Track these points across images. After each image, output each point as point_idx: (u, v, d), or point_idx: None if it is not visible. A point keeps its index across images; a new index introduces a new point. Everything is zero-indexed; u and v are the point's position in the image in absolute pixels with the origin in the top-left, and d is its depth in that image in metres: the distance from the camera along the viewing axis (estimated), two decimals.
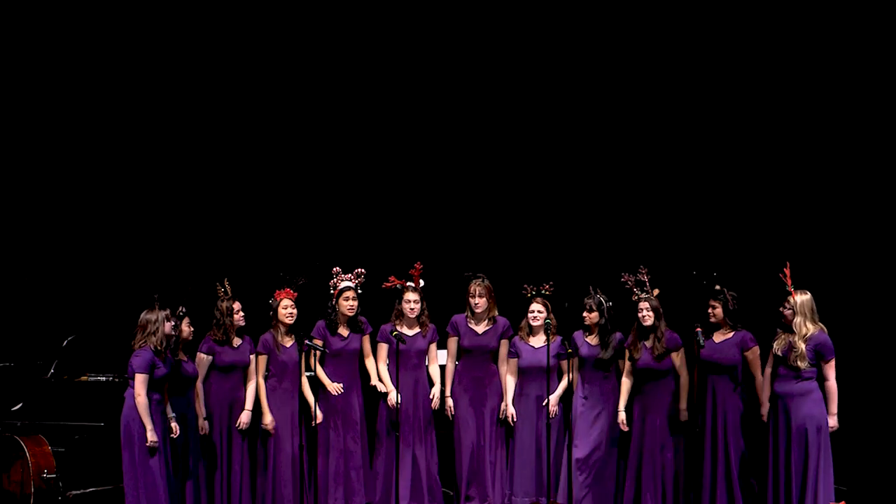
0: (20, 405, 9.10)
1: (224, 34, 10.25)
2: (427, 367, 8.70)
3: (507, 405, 8.62)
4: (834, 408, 7.95)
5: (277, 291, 8.45)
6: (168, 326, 7.85)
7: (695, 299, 8.40)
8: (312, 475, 8.44)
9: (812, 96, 9.78)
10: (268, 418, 8.37)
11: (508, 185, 10.37)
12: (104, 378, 9.12)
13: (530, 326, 8.61)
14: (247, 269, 9.45)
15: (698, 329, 8.11)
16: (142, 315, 7.85)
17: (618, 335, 8.51)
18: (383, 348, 8.62)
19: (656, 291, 8.38)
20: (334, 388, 8.44)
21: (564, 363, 8.50)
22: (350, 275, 8.54)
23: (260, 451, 8.42)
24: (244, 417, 8.36)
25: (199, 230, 10.33)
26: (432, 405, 8.63)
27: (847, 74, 9.71)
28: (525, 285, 8.59)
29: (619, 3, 10.04)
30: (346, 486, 8.46)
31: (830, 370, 7.93)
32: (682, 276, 8.64)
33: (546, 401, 8.47)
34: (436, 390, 8.65)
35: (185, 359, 8.11)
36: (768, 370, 8.13)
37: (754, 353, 8.22)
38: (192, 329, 8.15)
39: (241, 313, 8.41)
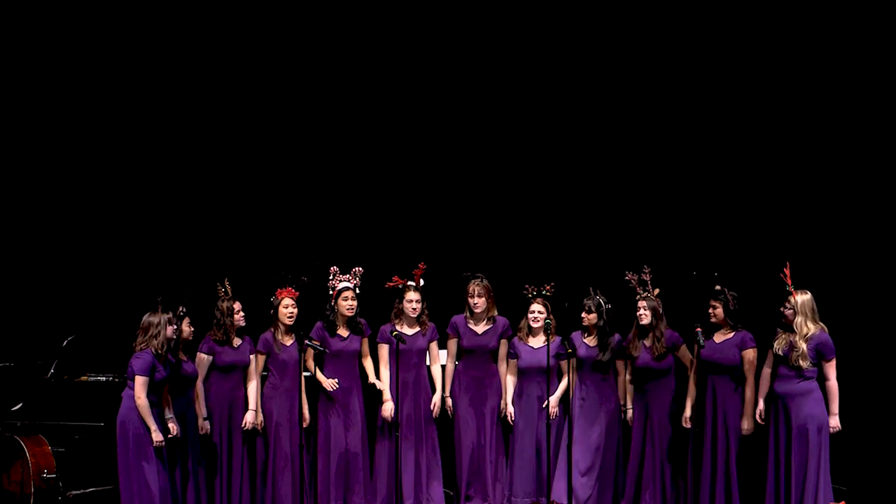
0: (20, 405, 9.09)
1: (224, 35, 10.25)
2: (429, 367, 8.69)
3: (506, 404, 8.62)
4: (835, 407, 7.94)
5: (279, 290, 8.45)
6: (170, 330, 7.85)
7: (695, 299, 8.39)
8: (312, 475, 8.44)
9: (812, 96, 9.78)
10: (259, 417, 8.38)
11: (508, 185, 10.37)
12: (104, 378, 9.12)
13: (530, 327, 8.60)
14: (247, 269, 9.44)
15: (698, 329, 8.10)
16: (144, 317, 7.85)
17: (616, 337, 8.51)
18: (384, 349, 8.62)
19: (656, 291, 8.38)
20: (329, 383, 8.43)
21: (564, 363, 8.49)
22: (348, 275, 8.54)
23: (260, 450, 8.42)
24: (249, 417, 8.36)
25: (200, 230, 10.33)
26: (434, 413, 8.62)
27: (847, 74, 9.71)
28: (526, 286, 8.59)
29: (619, 3, 10.03)
30: (348, 488, 8.45)
31: (831, 370, 7.93)
32: (683, 276, 8.64)
33: (546, 402, 8.47)
34: (436, 399, 8.64)
35: (185, 359, 8.11)
36: (767, 370, 8.12)
37: (751, 353, 8.20)
38: (192, 329, 8.15)
39: (242, 313, 8.41)
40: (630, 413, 8.47)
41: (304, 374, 8.47)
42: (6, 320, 10.08)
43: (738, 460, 8.19)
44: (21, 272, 10.28)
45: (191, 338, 8.17)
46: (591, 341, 8.52)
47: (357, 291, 8.53)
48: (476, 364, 8.67)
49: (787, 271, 8.04)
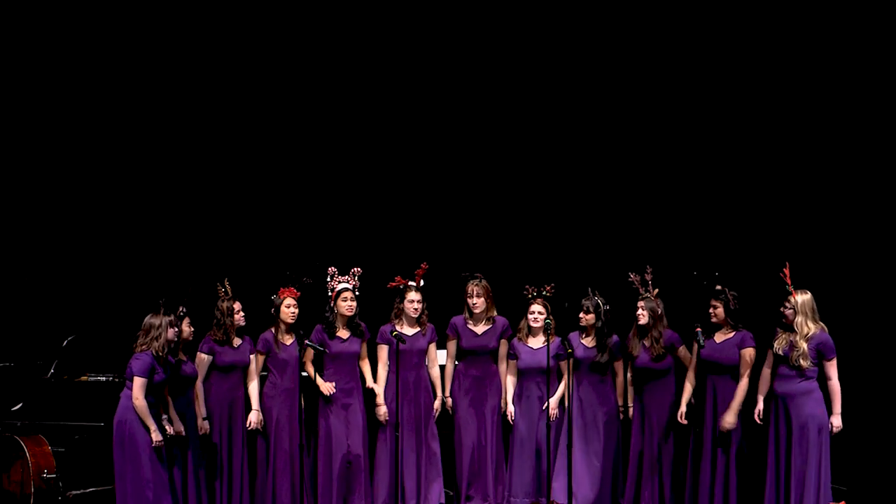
0: (20, 405, 9.09)
1: (225, 35, 10.24)
2: (428, 368, 8.69)
3: (506, 404, 8.62)
4: (837, 407, 7.93)
5: (282, 290, 8.45)
6: (171, 333, 7.84)
7: (695, 299, 8.39)
8: (312, 476, 8.43)
9: (812, 97, 9.77)
10: (258, 416, 8.37)
11: (508, 185, 10.36)
12: (104, 378, 9.12)
13: (529, 327, 8.60)
14: (247, 269, 9.44)
15: (698, 329, 8.10)
16: (146, 318, 7.85)
17: (614, 338, 8.50)
18: (384, 350, 8.62)
19: (655, 291, 8.38)
20: (326, 387, 8.43)
21: (564, 364, 8.49)
22: (347, 276, 8.54)
23: (260, 450, 8.42)
24: (253, 417, 8.36)
25: (200, 230, 10.32)
26: (434, 415, 8.62)
27: (847, 74, 9.70)
28: (526, 286, 8.59)
29: (619, 3, 10.03)
30: (349, 490, 8.45)
31: (832, 369, 7.93)
32: (683, 276, 8.63)
33: (546, 404, 8.46)
34: (437, 404, 8.64)
35: (185, 359, 8.11)
36: (767, 370, 8.11)
37: (749, 353, 8.19)
38: (192, 329, 8.15)
39: (242, 313, 8.41)
40: (630, 411, 8.47)
41: (302, 374, 8.47)
42: (6, 320, 10.07)
43: (738, 460, 8.19)
44: (21, 272, 10.28)
45: (191, 338, 8.17)
46: (588, 342, 8.51)
47: (356, 292, 8.53)
48: (476, 364, 8.67)
49: (786, 271, 8.04)
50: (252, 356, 8.44)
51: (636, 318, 8.37)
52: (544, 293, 8.57)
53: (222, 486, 8.29)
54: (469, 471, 8.59)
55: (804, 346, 7.88)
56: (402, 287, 8.62)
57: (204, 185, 10.38)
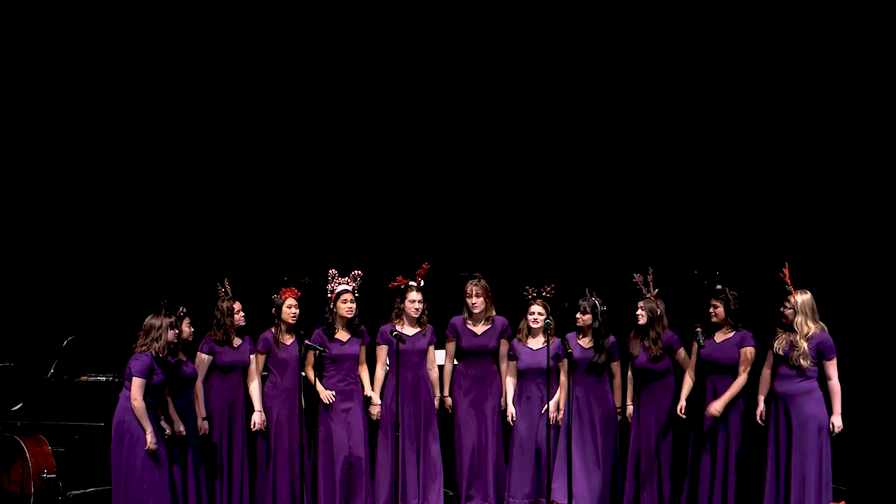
0: (20, 405, 9.09)
1: (225, 35, 10.24)
2: (428, 369, 8.68)
3: (507, 405, 8.62)
4: (837, 407, 7.93)
5: (283, 290, 8.45)
6: (171, 334, 7.84)
7: (695, 299, 8.39)
8: (312, 475, 8.43)
9: (811, 96, 9.78)
10: (262, 416, 8.37)
11: (507, 186, 10.36)
12: (104, 378, 9.12)
13: (529, 328, 8.60)
14: (247, 269, 9.44)
15: (698, 329, 8.11)
16: (147, 319, 7.84)
17: (611, 339, 8.50)
18: (383, 350, 8.62)
19: (655, 291, 8.38)
20: (326, 395, 8.43)
21: (562, 364, 8.48)
22: (347, 278, 8.54)
23: (260, 450, 8.42)
24: (256, 418, 8.36)
25: (200, 230, 10.32)
26: (434, 415, 8.63)
27: (847, 74, 9.70)
28: (526, 287, 8.58)
29: (619, 3, 10.03)
30: (351, 492, 8.44)
31: (832, 369, 7.93)
32: (684, 276, 8.63)
33: (546, 407, 8.46)
34: (436, 403, 8.65)
35: (185, 359, 8.11)
36: (767, 371, 8.12)
37: (749, 351, 8.19)
38: (192, 329, 8.15)
39: (242, 313, 8.41)
40: (630, 410, 8.47)
41: (302, 374, 8.47)
42: (6, 320, 10.07)
43: (737, 461, 8.18)
44: (21, 272, 10.28)
45: (191, 338, 8.16)
46: (585, 343, 8.51)
47: (356, 294, 8.53)
48: (476, 364, 8.67)
49: (786, 271, 8.04)
50: (252, 356, 8.43)
51: (636, 319, 8.36)
52: (544, 294, 8.57)
53: (222, 486, 8.29)
54: (469, 471, 8.59)
55: (804, 345, 7.89)
56: (403, 287, 8.62)
57: (204, 186, 10.38)
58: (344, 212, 10.40)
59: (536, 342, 8.58)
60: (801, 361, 7.88)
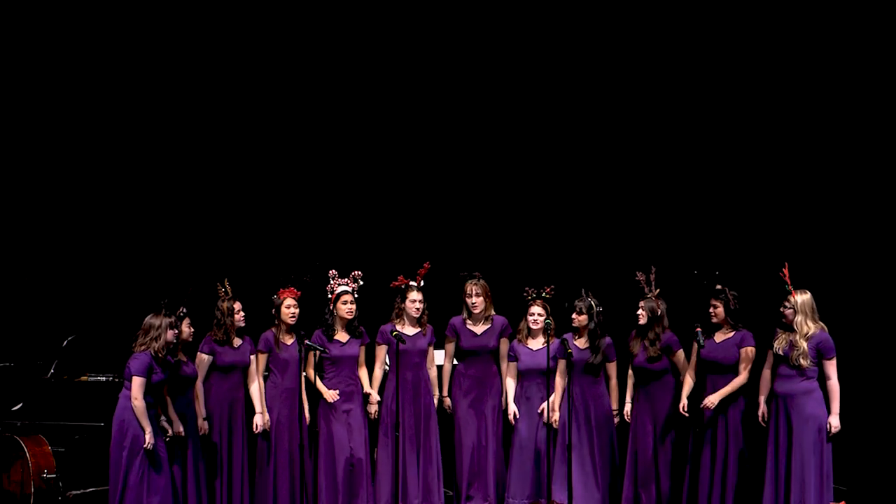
0: (20, 405, 9.09)
1: (225, 35, 10.25)
2: (427, 368, 8.68)
3: (507, 405, 8.61)
4: (836, 407, 7.93)
5: (281, 290, 8.45)
6: (171, 334, 7.84)
7: (695, 299, 8.39)
8: (313, 476, 8.43)
9: (811, 96, 9.78)
10: (264, 417, 8.37)
11: (507, 186, 10.36)
12: (104, 378, 9.12)
13: (529, 329, 8.59)
14: (247, 269, 9.43)
15: (698, 329, 8.10)
16: (147, 318, 7.84)
17: (607, 339, 8.49)
18: (382, 350, 8.62)
19: (657, 291, 8.37)
20: (330, 395, 8.43)
21: (560, 365, 8.49)
22: (347, 279, 8.54)
23: (260, 450, 8.41)
24: (258, 420, 8.35)
25: (200, 230, 10.33)
26: (434, 415, 8.63)
27: (847, 74, 9.70)
28: (526, 288, 8.58)
29: (619, 3, 10.03)
30: (353, 493, 8.44)
31: (832, 368, 7.92)
32: (683, 276, 8.63)
33: (545, 405, 8.45)
34: (437, 402, 8.66)
35: (185, 360, 8.10)
36: (767, 372, 8.12)
37: (749, 350, 8.19)
38: (192, 330, 8.14)
39: (242, 313, 8.41)
40: (628, 409, 8.46)
41: (303, 374, 8.47)
42: (6, 320, 10.07)
43: (737, 461, 8.18)
44: (21, 272, 10.28)
45: (190, 339, 8.16)
46: (581, 343, 8.50)
47: (356, 295, 8.53)
48: (476, 364, 8.66)
49: (785, 271, 8.04)
50: (253, 357, 8.43)
51: (637, 319, 8.36)
52: (544, 295, 8.57)
53: (222, 486, 8.29)
54: (469, 471, 8.59)
55: (804, 345, 7.89)
56: (403, 287, 8.61)
57: (204, 186, 10.38)
58: (344, 212, 10.40)
59: (536, 343, 8.58)
60: (801, 361, 7.88)
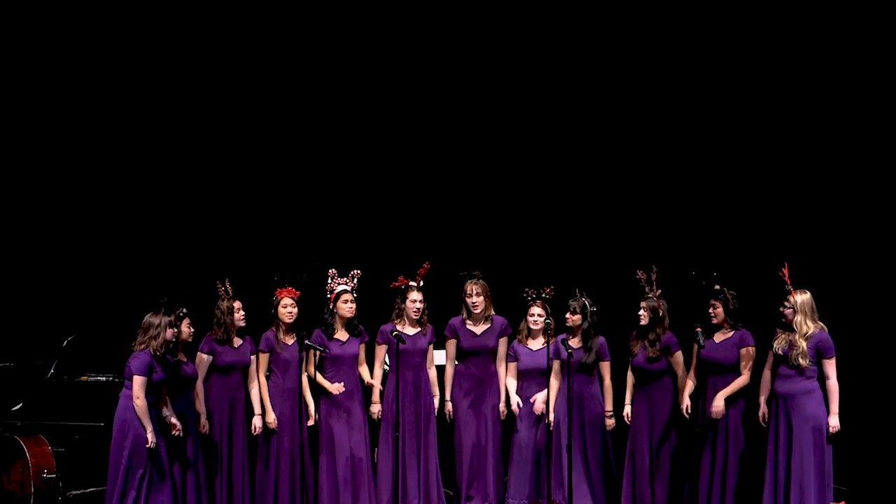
0: (20, 405, 9.10)
1: (224, 35, 10.25)
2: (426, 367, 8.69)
3: (503, 404, 8.60)
4: (835, 406, 7.92)
5: (279, 290, 8.45)
6: (170, 333, 7.84)
7: (695, 299, 8.39)
8: (312, 475, 8.43)
9: (811, 96, 9.77)
10: (270, 417, 8.37)
11: (507, 186, 10.36)
12: (104, 378, 9.13)
13: (529, 329, 8.60)
14: (247, 268, 9.43)
15: (698, 329, 8.10)
16: (146, 317, 7.85)
17: (600, 339, 8.49)
18: (382, 349, 8.62)
19: (658, 292, 8.37)
20: (335, 388, 8.42)
21: (556, 364, 8.48)
22: (346, 278, 8.53)
23: (261, 450, 8.41)
24: (257, 422, 8.35)
25: (200, 230, 10.32)
26: (434, 414, 8.62)
27: (847, 74, 9.70)
28: (526, 289, 8.58)
29: (619, 3, 10.03)
30: (354, 492, 8.44)
31: (831, 368, 7.92)
32: (683, 276, 8.63)
33: (540, 396, 8.45)
34: (436, 402, 8.64)
35: (186, 360, 8.10)
36: (767, 372, 8.11)
37: (748, 351, 8.20)
38: (192, 330, 8.14)
39: (242, 313, 8.40)
40: (628, 410, 8.46)
41: (306, 375, 8.46)
42: (6, 320, 10.07)
43: (738, 462, 8.18)
44: (21, 272, 10.28)
45: (190, 339, 8.15)
46: (575, 343, 8.49)
47: (354, 294, 8.53)
48: (476, 364, 8.66)
49: (785, 271, 8.04)
50: (253, 357, 8.43)
51: (638, 319, 8.36)
52: (544, 296, 8.57)
53: (222, 486, 8.29)
54: (469, 471, 8.59)
55: (803, 344, 7.88)
56: (403, 287, 8.61)
57: (204, 186, 10.38)
58: (344, 212, 10.40)
59: (536, 343, 8.58)
60: (800, 360, 7.88)
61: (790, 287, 8.00)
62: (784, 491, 7.89)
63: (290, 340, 8.47)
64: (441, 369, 8.77)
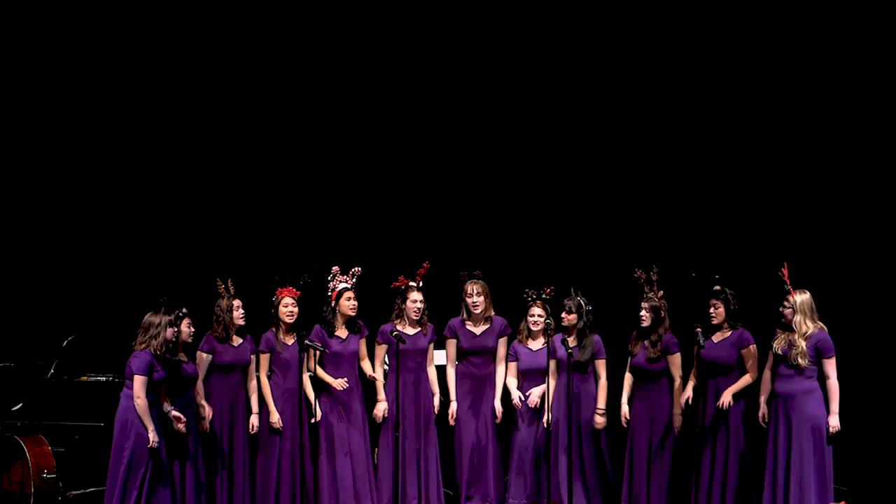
0: (20, 405, 9.10)
1: (224, 34, 10.25)
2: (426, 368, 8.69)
3: (498, 401, 8.58)
4: (835, 406, 7.91)
5: (279, 290, 8.45)
6: (170, 332, 7.85)
7: (696, 299, 8.39)
8: (313, 475, 8.43)
9: (811, 97, 9.77)
10: (274, 417, 8.37)
11: (507, 186, 10.36)
12: (104, 378, 9.13)
13: (529, 330, 8.60)
14: (247, 268, 9.43)
15: (698, 329, 8.10)
16: (146, 316, 7.85)
17: (595, 338, 8.49)
18: (382, 349, 8.62)
19: (661, 293, 8.37)
20: (339, 383, 8.42)
21: (553, 363, 8.47)
22: (346, 276, 8.53)
23: (262, 449, 8.40)
24: (255, 421, 8.35)
25: (200, 230, 10.32)
26: (434, 411, 8.62)
27: (847, 74, 9.70)
28: (526, 290, 8.58)
29: (619, 3, 10.03)
30: (355, 491, 8.44)
31: (831, 368, 7.92)
32: (683, 276, 8.63)
33: (535, 390, 8.45)
34: (436, 402, 8.64)
35: (186, 359, 8.10)
36: (767, 373, 8.11)
37: (750, 350, 8.20)
38: (192, 330, 8.14)
39: (242, 311, 8.39)
40: (626, 410, 8.46)
41: (308, 373, 8.45)
42: (6, 320, 10.08)
43: (738, 460, 8.17)
44: (21, 272, 10.28)
45: (190, 339, 8.15)
46: (570, 342, 8.50)
47: (355, 292, 8.53)
48: (476, 365, 8.66)
49: (784, 271, 8.04)
50: (252, 356, 8.42)
51: (639, 320, 8.35)
52: (544, 296, 8.57)
53: (223, 485, 8.29)
54: (469, 471, 8.59)
55: (802, 344, 7.88)
56: (404, 287, 8.61)
57: (204, 185, 10.38)
58: (344, 212, 10.40)
59: (537, 343, 8.59)
60: (799, 360, 7.88)
61: (790, 287, 8.00)
62: (784, 491, 7.89)
63: (290, 340, 8.47)
64: (441, 369, 8.77)
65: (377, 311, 8.74)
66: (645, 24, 10.02)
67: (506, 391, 8.64)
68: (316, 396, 8.38)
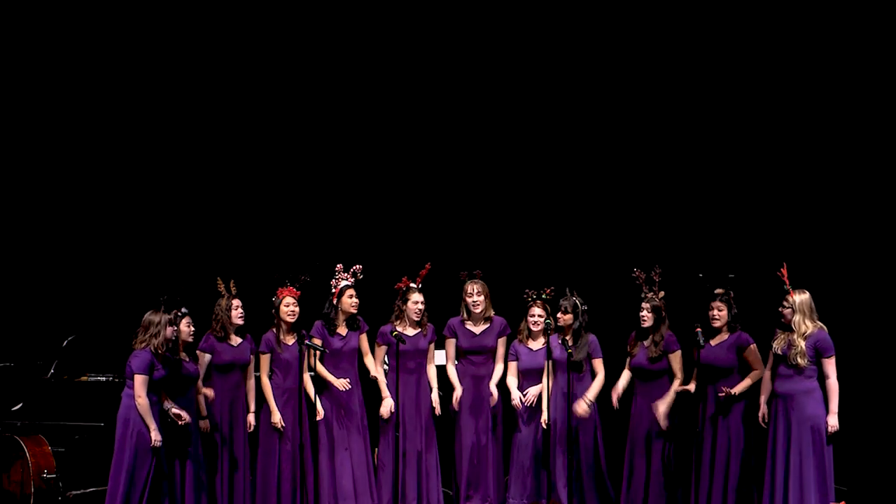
0: (20, 405, 9.10)
1: (224, 34, 10.25)
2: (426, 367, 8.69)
3: (493, 387, 8.57)
4: (834, 406, 7.90)
5: (280, 289, 8.44)
6: (170, 331, 7.85)
7: (695, 300, 8.38)
8: (313, 475, 8.43)
9: (811, 97, 9.78)
10: (276, 417, 8.37)
11: (507, 186, 10.37)
12: (104, 378, 9.13)
13: (529, 330, 8.60)
14: (247, 268, 9.43)
15: (698, 329, 8.09)
16: (146, 315, 7.85)
17: (591, 337, 8.50)
18: (382, 350, 8.62)
19: (661, 294, 8.37)
20: (341, 383, 8.42)
21: (550, 363, 8.48)
22: (346, 274, 8.53)
23: (263, 449, 8.41)
24: (251, 419, 8.35)
25: (200, 230, 10.33)
26: (436, 411, 8.62)
27: (847, 74, 9.71)
28: (526, 290, 8.58)
29: (620, 3, 10.03)
30: (355, 490, 8.43)
31: (831, 367, 7.91)
32: (682, 276, 8.63)
33: (533, 389, 8.45)
34: (434, 396, 8.64)
35: (187, 359, 8.10)
36: (767, 373, 8.11)
37: (752, 349, 8.20)
38: (192, 329, 8.14)
39: (241, 310, 8.39)
40: (620, 387, 8.44)
41: (309, 373, 8.45)
42: (6, 320, 10.08)
43: (738, 460, 8.17)
44: (21, 272, 10.28)
45: (190, 339, 8.15)
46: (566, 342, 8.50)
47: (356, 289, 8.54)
48: (475, 364, 8.66)
49: (783, 271, 8.04)
50: (252, 355, 8.42)
51: (640, 320, 8.35)
52: (544, 296, 8.57)
53: (223, 485, 8.29)
54: (469, 471, 8.59)
55: (802, 344, 7.88)
56: (405, 289, 8.61)
57: (204, 185, 10.38)
58: (345, 212, 10.40)
59: (537, 343, 8.59)
60: (799, 360, 7.87)
61: (789, 287, 8.00)
62: (784, 491, 7.88)
63: (290, 340, 8.46)
64: (441, 369, 8.78)
65: (377, 311, 8.74)
66: (645, 24, 10.03)
67: (506, 390, 8.64)
68: (316, 395, 8.39)
